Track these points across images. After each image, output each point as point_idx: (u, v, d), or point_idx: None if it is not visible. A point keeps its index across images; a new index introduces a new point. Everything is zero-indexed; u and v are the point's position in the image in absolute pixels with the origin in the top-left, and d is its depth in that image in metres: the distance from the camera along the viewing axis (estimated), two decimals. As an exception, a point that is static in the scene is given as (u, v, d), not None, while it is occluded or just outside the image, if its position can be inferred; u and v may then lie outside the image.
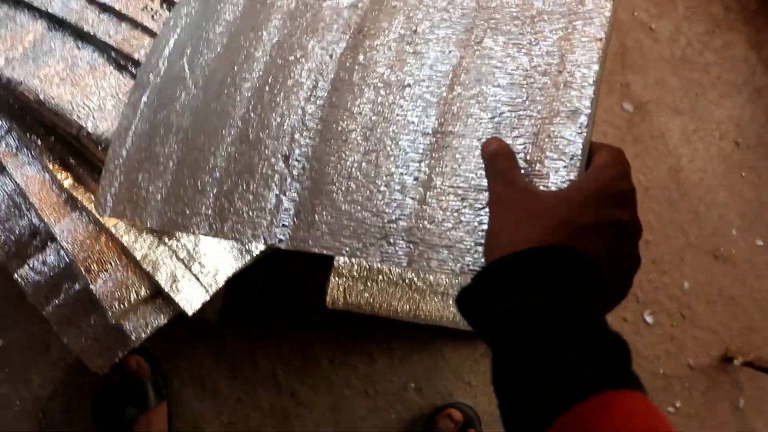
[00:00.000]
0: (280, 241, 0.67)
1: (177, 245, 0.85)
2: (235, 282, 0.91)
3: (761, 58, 1.61)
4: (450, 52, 0.65)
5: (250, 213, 0.69)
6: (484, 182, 0.58)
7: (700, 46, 1.59)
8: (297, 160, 0.68)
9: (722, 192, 1.49)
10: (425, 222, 0.60)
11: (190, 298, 0.85)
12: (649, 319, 1.39)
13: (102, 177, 0.79)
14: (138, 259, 0.82)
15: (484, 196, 0.58)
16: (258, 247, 0.90)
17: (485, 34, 0.64)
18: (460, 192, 0.59)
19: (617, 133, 1.47)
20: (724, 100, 1.56)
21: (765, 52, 1.62)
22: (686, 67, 1.56)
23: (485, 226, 0.57)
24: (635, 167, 1.42)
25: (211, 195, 0.72)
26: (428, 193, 0.61)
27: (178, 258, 0.85)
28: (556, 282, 0.43)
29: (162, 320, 0.85)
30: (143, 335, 0.84)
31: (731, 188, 1.50)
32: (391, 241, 0.61)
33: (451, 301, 1.12)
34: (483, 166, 0.58)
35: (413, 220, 0.60)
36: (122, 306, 0.82)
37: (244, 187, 0.70)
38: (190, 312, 0.84)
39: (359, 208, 0.63)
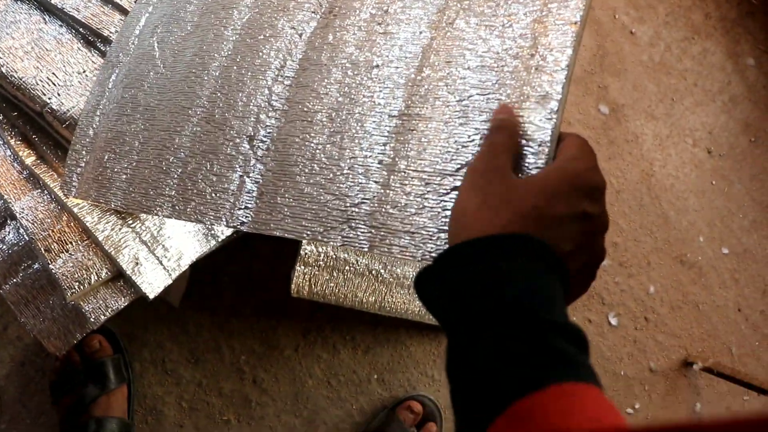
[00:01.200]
0: (242, 223, 0.66)
1: (141, 227, 0.84)
2: (200, 266, 0.90)
3: (737, 67, 1.63)
4: (421, 32, 0.63)
5: (213, 194, 0.68)
6: (449, 167, 0.57)
7: (679, 52, 1.60)
8: (262, 141, 0.67)
9: (692, 198, 1.51)
10: (388, 207, 0.59)
11: (152, 281, 0.83)
12: (613, 321, 1.40)
13: (68, 157, 0.77)
14: (100, 240, 0.81)
15: (449, 181, 0.57)
16: (223, 232, 0.89)
17: (457, 15, 0.62)
18: (424, 176, 0.58)
19: (592, 135, 1.47)
20: (698, 107, 1.57)
21: (741, 61, 1.64)
22: (664, 73, 1.57)
23: (448, 212, 0.56)
24: (608, 170, 1.43)
25: (175, 176, 0.71)
26: (392, 177, 0.59)
27: (141, 240, 0.83)
28: (518, 271, 0.43)
29: (122, 303, 0.84)
30: (102, 318, 0.83)
31: (701, 195, 1.52)
32: (353, 225, 0.60)
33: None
34: (449, 150, 0.57)
35: (376, 205, 0.59)
36: (82, 287, 0.80)
37: (208, 168, 0.69)
38: (151, 296, 0.83)
39: (322, 191, 0.62)
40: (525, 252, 0.44)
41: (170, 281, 0.84)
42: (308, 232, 0.62)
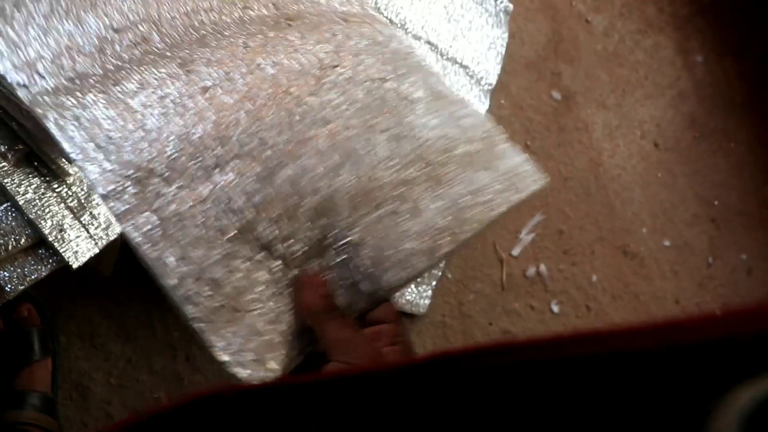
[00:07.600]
0: None
1: (67, 192, 0.78)
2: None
3: (686, 63, 1.65)
4: None
5: None
6: None
7: (632, 44, 1.60)
8: None
9: (638, 190, 1.52)
10: None
11: (77, 250, 0.79)
12: (555, 308, 1.41)
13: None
14: (20, 204, 0.76)
15: None
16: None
17: None
18: None
19: (543, 120, 1.47)
20: (648, 100, 1.59)
21: (690, 58, 1.65)
22: (616, 63, 1.58)
23: None
24: (557, 157, 1.43)
25: None
26: None
27: (67, 206, 0.78)
28: None
29: (43, 272, 0.79)
30: (20, 287, 0.77)
31: (646, 187, 1.53)
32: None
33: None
34: None
35: None
36: (-2, 253, 0.75)
37: None
38: (75, 265, 0.78)
39: None
40: None
41: (96, 250, 0.80)
42: None
